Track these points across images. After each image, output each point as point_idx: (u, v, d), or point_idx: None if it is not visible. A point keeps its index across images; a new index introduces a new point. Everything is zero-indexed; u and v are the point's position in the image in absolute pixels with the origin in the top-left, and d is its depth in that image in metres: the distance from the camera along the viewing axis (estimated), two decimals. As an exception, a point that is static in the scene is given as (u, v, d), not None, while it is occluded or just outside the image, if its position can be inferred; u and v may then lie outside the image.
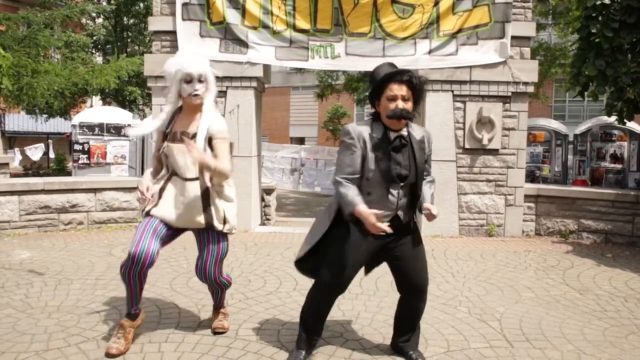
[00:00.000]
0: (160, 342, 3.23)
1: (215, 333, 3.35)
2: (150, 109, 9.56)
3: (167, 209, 3.07)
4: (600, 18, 6.39)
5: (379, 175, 2.78)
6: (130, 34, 16.46)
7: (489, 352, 3.21)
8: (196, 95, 3.03)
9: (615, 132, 7.87)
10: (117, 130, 8.60)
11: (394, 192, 2.81)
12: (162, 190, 3.11)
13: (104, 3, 15.92)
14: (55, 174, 14.50)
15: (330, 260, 2.89)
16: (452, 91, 7.04)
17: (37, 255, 5.44)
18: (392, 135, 2.80)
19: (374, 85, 2.83)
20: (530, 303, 4.17)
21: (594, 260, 5.71)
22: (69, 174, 12.16)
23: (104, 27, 16.55)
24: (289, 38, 7.01)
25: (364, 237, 2.80)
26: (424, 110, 7.13)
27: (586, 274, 5.13)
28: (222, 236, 3.16)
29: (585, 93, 6.92)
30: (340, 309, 3.89)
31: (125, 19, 16.05)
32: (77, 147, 8.39)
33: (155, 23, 7.17)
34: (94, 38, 16.26)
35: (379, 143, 2.78)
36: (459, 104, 7.08)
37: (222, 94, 7.11)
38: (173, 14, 7.03)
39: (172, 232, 3.14)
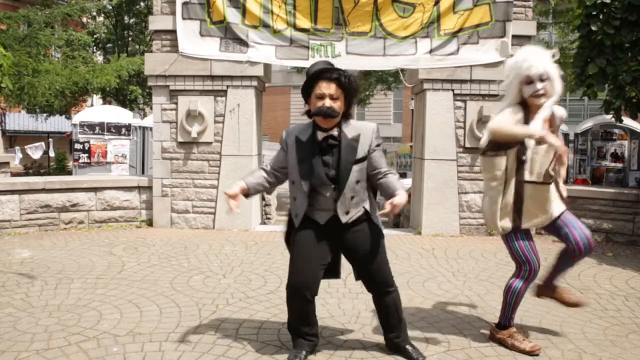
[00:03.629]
0: (160, 341, 3.24)
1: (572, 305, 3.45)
2: (151, 108, 9.56)
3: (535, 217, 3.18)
4: (601, 16, 6.38)
5: (303, 177, 2.79)
6: (131, 33, 16.46)
7: (489, 351, 3.21)
8: (538, 95, 2.99)
9: (616, 131, 7.86)
10: (117, 130, 8.61)
11: (325, 193, 2.81)
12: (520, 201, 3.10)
13: (105, 1, 15.92)
14: (56, 173, 14.52)
15: (290, 262, 2.95)
16: (453, 90, 7.04)
17: (38, 254, 5.45)
18: (321, 135, 2.80)
19: (305, 82, 2.83)
20: (530, 302, 4.16)
21: (595, 259, 5.70)
22: (69, 173, 12.18)
23: (105, 26, 16.56)
24: (289, 37, 7.00)
25: (313, 237, 2.86)
26: (425, 110, 7.13)
27: (587, 273, 5.12)
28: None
29: (585, 90, 6.91)
30: (341, 308, 3.89)
31: (126, 17, 16.06)
32: (77, 146, 8.41)
33: (156, 22, 7.17)
34: (95, 36, 16.27)
35: (305, 144, 2.80)
36: (459, 103, 7.07)
37: (222, 93, 7.12)
38: (173, 13, 7.03)
39: None
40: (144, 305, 3.90)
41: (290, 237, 2.99)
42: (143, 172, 8.99)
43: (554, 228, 3.25)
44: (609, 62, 6.39)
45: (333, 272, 3.06)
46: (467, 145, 7.05)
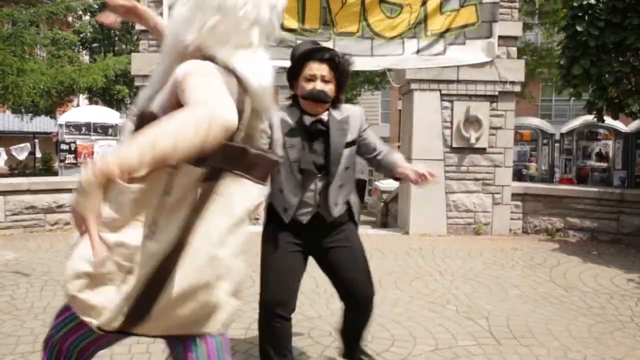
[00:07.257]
0: (147, 342, 3.21)
1: None
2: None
3: None
4: (586, 17, 6.46)
5: (290, 165, 2.38)
6: (117, 33, 16.35)
7: (476, 349, 3.23)
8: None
9: (601, 130, 7.97)
10: (104, 130, 8.54)
11: (310, 185, 2.40)
12: None
13: (90, 0, 15.79)
14: (42, 174, 14.36)
15: (263, 277, 2.51)
16: (440, 90, 7.08)
17: (23, 256, 5.38)
18: (309, 120, 2.39)
19: (292, 63, 2.46)
20: (517, 301, 4.21)
21: (580, 258, 5.77)
22: (55, 173, 12.05)
23: (91, 25, 16.42)
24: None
25: (287, 242, 2.47)
26: (412, 110, 7.16)
27: (572, 272, 5.18)
28: None
29: (571, 90, 7.00)
30: (329, 308, 3.89)
31: (112, 17, 15.93)
32: (63, 146, 8.32)
33: (143, 22, 7.12)
34: (81, 35, 16.12)
35: (292, 129, 2.38)
36: (446, 103, 7.11)
37: (210, 93, 7.08)
38: (160, 13, 6.99)
39: None
40: (131, 306, 3.87)
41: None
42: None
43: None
44: (593, 63, 6.48)
45: None
46: (454, 145, 7.10)
